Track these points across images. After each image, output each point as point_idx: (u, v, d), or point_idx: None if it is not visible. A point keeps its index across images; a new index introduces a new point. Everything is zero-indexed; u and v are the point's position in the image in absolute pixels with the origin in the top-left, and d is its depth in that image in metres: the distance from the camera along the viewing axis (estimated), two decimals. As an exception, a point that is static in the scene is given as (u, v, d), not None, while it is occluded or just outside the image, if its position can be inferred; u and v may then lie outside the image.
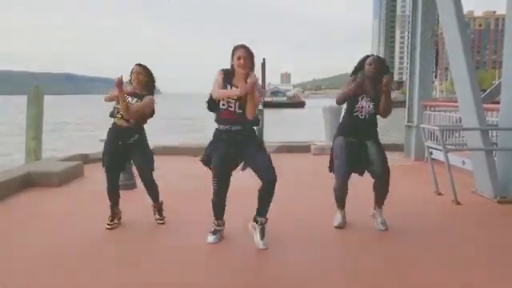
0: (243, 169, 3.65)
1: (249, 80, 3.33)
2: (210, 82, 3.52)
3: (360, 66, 3.95)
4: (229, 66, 3.50)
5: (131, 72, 4.04)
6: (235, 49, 3.45)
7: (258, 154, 3.47)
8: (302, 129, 20.38)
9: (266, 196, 3.44)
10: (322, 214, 4.35)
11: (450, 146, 6.05)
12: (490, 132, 5.43)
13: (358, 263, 3.29)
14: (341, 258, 3.43)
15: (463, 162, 6.24)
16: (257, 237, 3.51)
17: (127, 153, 4.06)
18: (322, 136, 9.47)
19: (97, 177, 6.43)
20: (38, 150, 8.04)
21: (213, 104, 3.54)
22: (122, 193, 5.45)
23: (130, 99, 3.96)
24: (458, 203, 4.89)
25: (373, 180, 3.97)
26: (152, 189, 4.19)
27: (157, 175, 4.24)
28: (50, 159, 7.82)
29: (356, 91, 3.82)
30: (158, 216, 4.21)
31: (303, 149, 8.75)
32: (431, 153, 5.57)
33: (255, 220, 3.55)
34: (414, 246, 3.66)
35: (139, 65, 4.06)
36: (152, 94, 4.10)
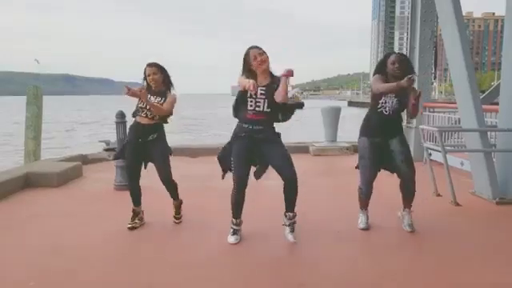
0: (257, 177, 3.70)
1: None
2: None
3: (382, 66, 3.79)
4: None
5: (145, 74, 4.00)
6: (247, 53, 3.49)
7: (278, 152, 3.53)
8: (301, 130, 20.39)
9: (290, 194, 3.56)
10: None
11: (448, 148, 6.05)
12: (488, 133, 5.44)
13: (359, 264, 3.30)
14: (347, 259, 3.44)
15: (462, 163, 6.25)
16: (286, 231, 3.64)
17: (146, 150, 4.01)
18: (322, 137, 9.50)
19: (96, 177, 6.44)
20: (37, 151, 8.03)
21: (238, 108, 3.56)
22: (117, 193, 5.50)
23: (153, 99, 3.93)
24: (457, 204, 4.89)
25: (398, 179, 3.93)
26: (170, 187, 4.15)
27: (157, 176, 4.23)
28: (48, 160, 7.81)
29: (397, 90, 3.58)
30: (174, 214, 4.20)
31: (302, 149, 8.75)
32: (430, 154, 5.57)
33: (284, 215, 3.67)
34: (412, 247, 3.67)
35: (150, 65, 3.99)
36: (169, 89, 4.08)
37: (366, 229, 4.00)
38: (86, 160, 7.47)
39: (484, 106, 5.77)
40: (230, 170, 3.62)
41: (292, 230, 3.65)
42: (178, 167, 4.09)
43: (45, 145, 9.46)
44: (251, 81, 3.35)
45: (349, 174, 6.77)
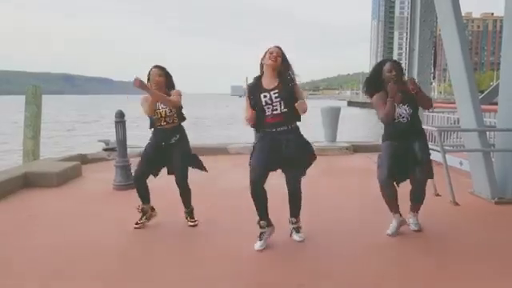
0: None
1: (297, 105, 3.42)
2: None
3: (377, 73, 3.84)
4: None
5: (149, 75, 4.03)
6: (269, 49, 3.55)
7: (291, 165, 3.55)
8: (301, 129, 20.37)
9: (292, 201, 3.68)
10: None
11: (447, 147, 6.06)
12: (487, 133, 5.44)
13: (358, 264, 3.30)
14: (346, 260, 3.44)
15: (461, 163, 6.26)
16: (292, 233, 3.76)
17: (168, 153, 4.03)
18: (322, 137, 9.50)
19: (95, 177, 6.43)
20: (36, 150, 8.03)
21: (258, 123, 3.56)
22: (117, 193, 5.50)
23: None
24: (456, 204, 4.89)
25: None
26: (183, 193, 4.12)
27: (167, 176, 4.20)
28: (47, 159, 7.81)
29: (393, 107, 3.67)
30: (188, 219, 4.17)
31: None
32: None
33: (289, 220, 3.75)
34: (411, 247, 3.66)
35: (156, 67, 4.04)
36: (173, 89, 4.12)
37: (394, 236, 3.83)
38: (85, 160, 7.46)
39: (483, 106, 5.79)
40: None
41: (297, 231, 3.74)
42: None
43: (44, 144, 9.45)
44: (250, 114, 3.45)
45: (348, 174, 6.80)
